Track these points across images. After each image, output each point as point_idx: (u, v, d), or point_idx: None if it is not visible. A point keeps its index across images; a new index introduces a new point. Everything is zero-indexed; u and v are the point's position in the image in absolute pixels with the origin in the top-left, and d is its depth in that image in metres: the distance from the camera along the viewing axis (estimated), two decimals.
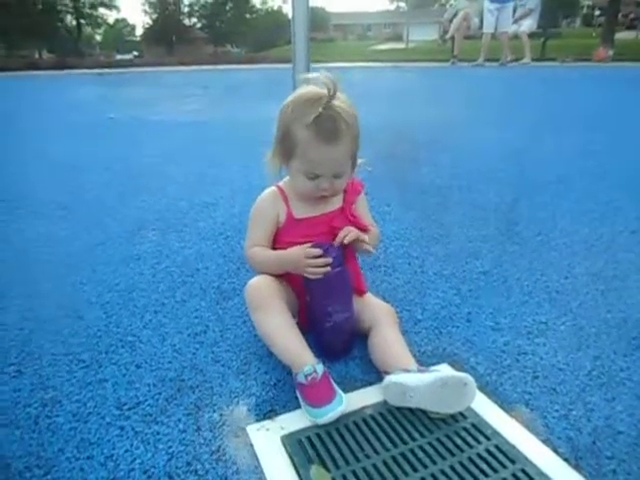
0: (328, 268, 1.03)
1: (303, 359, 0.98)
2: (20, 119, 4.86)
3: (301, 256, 1.04)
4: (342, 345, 1.13)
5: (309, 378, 0.95)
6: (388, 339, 1.07)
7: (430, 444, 0.88)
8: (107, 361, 1.12)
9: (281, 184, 1.17)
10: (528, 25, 9.47)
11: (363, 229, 1.12)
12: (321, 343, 1.11)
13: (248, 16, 47.81)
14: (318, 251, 1.04)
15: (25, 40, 31.23)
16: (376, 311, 1.14)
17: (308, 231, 1.12)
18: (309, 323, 1.13)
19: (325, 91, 1.01)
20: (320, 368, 0.96)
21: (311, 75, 1.05)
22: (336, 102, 1.01)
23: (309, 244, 1.06)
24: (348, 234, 1.06)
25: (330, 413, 0.91)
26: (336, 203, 1.15)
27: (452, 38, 10.59)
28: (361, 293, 1.19)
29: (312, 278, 1.04)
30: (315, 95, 1.02)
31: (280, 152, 1.09)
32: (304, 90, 1.05)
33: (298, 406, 0.97)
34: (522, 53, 9.77)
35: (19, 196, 2.28)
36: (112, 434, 0.91)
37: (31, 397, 1.00)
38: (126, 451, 0.88)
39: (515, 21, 9.35)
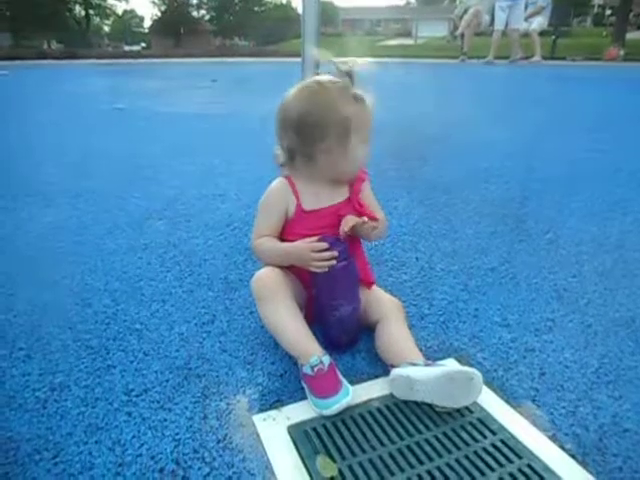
0: (334, 262, 1.03)
1: (309, 350, 0.98)
2: (29, 108, 4.88)
3: (307, 250, 1.04)
4: (348, 337, 1.13)
5: (315, 369, 0.95)
6: (395, 333, 1.07)
7: (436, 437, 0.88)
8: (115, 348, 1.12)
9: (290, 175, 1.16)
10: (539, 23, 9.40)
11: (370, 218, 1.12)
12: (327, 335, 1.11)
13: (257, 9, 47.73)
14: (324, 245, 1.04)
15: (34, 30, 31.30)
16: (384, 305, 1.14)
17: (317, 223, 1.12)
18: (315, 315, 1.13)
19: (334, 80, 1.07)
20: (326, 359, 0.96)
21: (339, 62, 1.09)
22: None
23: (315, 237, 1.06)
24: (347, 223, 1.05)
25: (336, 404, 0.91)
26: (344, 194, 1.15)
27: (462, 35, 10.51)
28: (369, 285, 1.19)
29: (318, 272, 1.04)
30: (328, 82, 1.07)
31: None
32: (314, 88, 1.08)
33: (304, 397, 0.97)
34: (532, 51, 9.69)
35: (28, 185, 2.29)
36: (120, 420, 0.92)
37: (40, 381, 1.01)
38: (134, 437, 0.88)
39: (526, 19, 9.27)
